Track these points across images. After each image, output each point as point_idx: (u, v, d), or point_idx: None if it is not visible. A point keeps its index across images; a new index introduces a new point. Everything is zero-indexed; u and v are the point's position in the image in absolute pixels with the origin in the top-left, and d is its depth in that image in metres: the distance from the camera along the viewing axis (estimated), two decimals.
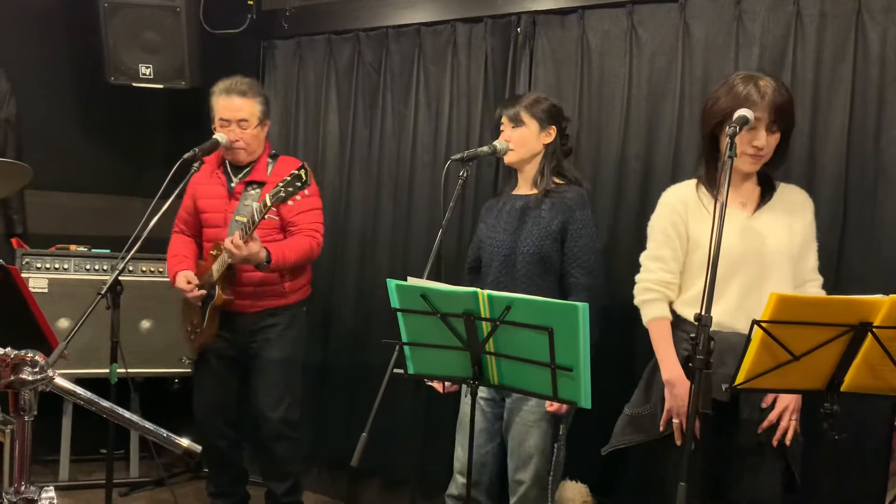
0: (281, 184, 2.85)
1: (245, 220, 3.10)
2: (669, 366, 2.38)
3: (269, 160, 3.32)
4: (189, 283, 3.22)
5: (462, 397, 2.87)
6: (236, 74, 3.34)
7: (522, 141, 2.78)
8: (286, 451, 3.34)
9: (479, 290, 2.08)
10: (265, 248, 3.04)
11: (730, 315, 2.27)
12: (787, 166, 2.80)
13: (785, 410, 2.24)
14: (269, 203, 2.87)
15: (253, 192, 3.22)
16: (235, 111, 3.20)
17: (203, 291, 3.20)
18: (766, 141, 2.29)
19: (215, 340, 3.27)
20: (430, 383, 2.80)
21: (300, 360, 3.40)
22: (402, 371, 2.30)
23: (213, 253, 3.21)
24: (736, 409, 2.27)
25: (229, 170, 3.30)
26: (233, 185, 3.27)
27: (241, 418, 3.46)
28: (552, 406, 2.63)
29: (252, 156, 3.28)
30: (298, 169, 2.86)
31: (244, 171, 3.29)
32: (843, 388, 1.96)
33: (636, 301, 2.52)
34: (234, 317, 3.25)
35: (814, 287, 2.40)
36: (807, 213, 2.41)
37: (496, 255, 2.77)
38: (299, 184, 2.84)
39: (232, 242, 2.95)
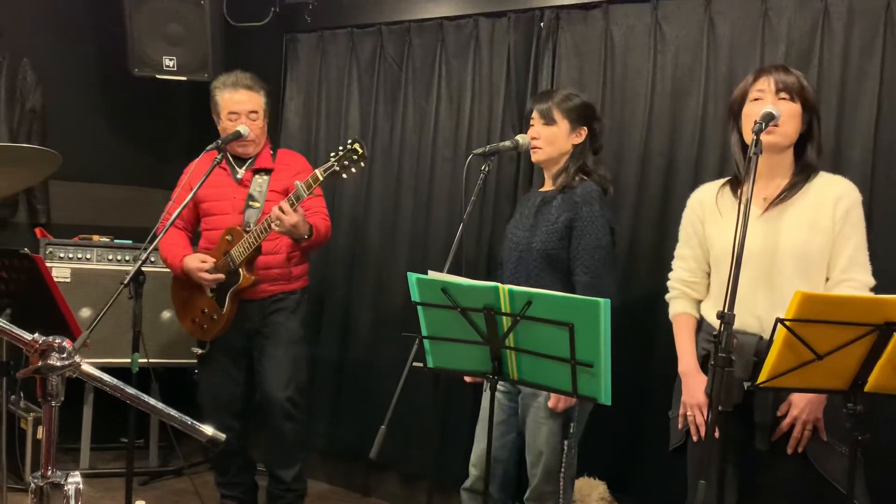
0: (333, 158, 2.86)
1: (259, 204, 3.18)
2: (682, 358, 2.39)
3: (272, 151, 3.39)
4: (204, 262, 3.20)
5: (483, 390, 2.86)
6: (255, 68, 3.38)
7: (552, 139, 2.71)
8: (293, 433, 3.34)
9: (499, 284, 2.07)
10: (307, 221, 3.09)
11: (737, 315, 2.19)
12: None
13: (797, 420, 2.18)
14: (320, 177, 2.90)
15: (261, 179, 3.28)
16: (244, 104, 3.26)
17: (220, 276, 3.19)
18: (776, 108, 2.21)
19: (224, 333, 3.28)
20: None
21: (304, 344, 3.44)
22: (421, 364, 2.30)
23: (228, 238, 3.21)
24: (750, 411, 2.23)
25: (232, 162, 3.33)
26: (239, 175, 3.30)
27: (249, 408, 3.46)
28: (552, 401, 2.56)
29: (258, 148, 3.34)
30: (352, 143, 2.85)
31: (248, 162, 3.33)
32: (866, 389, 1.93)
33: (666, 299, 2.53)
34: (243, 304, 3.26)
35: (847, 289, 2.20)
36: (839, 208, 2.22)
37: (513, 252, 2.75)
38: (356, 157, 2.84)
39: (281, 209, 2.96)
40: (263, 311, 3.28)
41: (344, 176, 2.94)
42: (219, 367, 3.36)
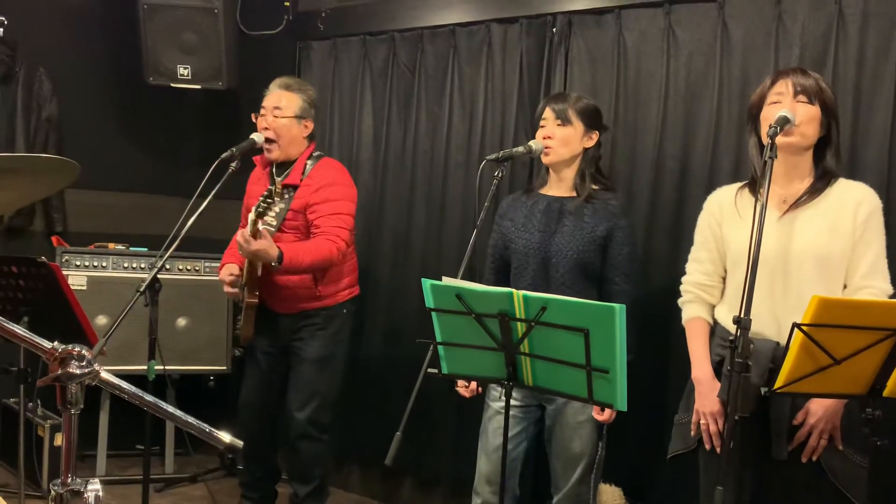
0: (261, 198, 2.89)
1: (276, 224, 3.13)
2: (697, 364, 2.37)
3: (309, 161, 3.28)
4: (231, 275, 3.21)
5: (485, 405, 2.84)
6: (268, 75, 3.39)
7: (566, 140, 2.71)
8: (311, 452, 3.33)
9: (514, 290, 2.06)
10: (278, 247, 2.99)
11: (754, 318, 2.08)
12: None
13: (813, 429, 2.16)
14: (253, 217, 2.90)
15: (287, 195, 3.20)
16: (273, 100, 3.24)
17: (235, 290, 3.22)
18: (794, 110, 2.20)
19: (260, 338, 3.31)
20: (457, 388, 2.79)
21: (337, 360, 3.38)
22: (435, 371, 2.30)
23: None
24: (766, 418, 2.20)
25: (274, 171, 3.33)
26: (272, 187, 3.28)
27: (277, 417, 3.48)
28: (602, 415, 2.61)
29: (283, 151, 3.26)
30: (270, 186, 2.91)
31: (284, 174, 3.28)
32: (885, 394, 1.92)
33: (679, 303, 2.51)
34: (274, 317, 3.28)
35: (868, 296, 2.18)
36: (860, 213, 2.21)
37: (531, 258, 2.72)
38: (270, 201, 2.89)
39: (241, 235, 2.95)
40: (293, 326, 3.28)
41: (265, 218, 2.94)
42: (257, 372, 3.39)
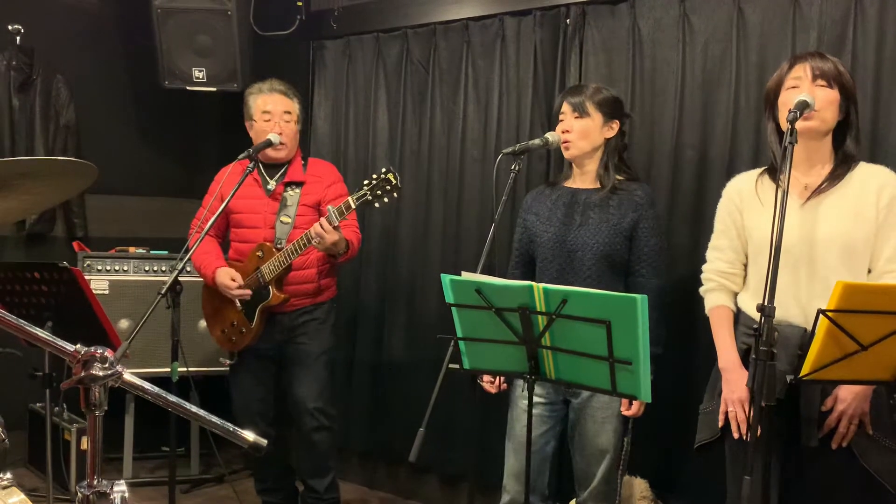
0: (366, 187, 2.88)
1: (290, 220, 3.18)
2: (723, 353, 2.35)
3: (303, 161, 3.39)
4: (234, 279, 3.23)
5: (511, 403, 2.82)
6: (283, 76, 3.41)
7: (585, 133, 2.68)
8: (325, 444, 3.37)
9: (534, 283, 2.05)
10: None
11: (779, 306, 2.02)
12: None
13: (843, 415, 2.13)
14: (352, 205, 2.91)
15: (292, 192, 3.27)
16: (278, 104, 3.28)
17: (248, 292, 3.22)
18: (813, 95, 2.17)
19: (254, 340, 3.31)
20: (481, 383, 2.78)
21: (334, 353, 3.47)
22: (457, 366, 2.29)
23: (259, 255, 3.22)
24: (795, 406, 2.18)
25: (263, 172, 3.33)
26: (270, 186, 3.30)
27: (283, 414, 3.48)
28: (630, 410, 2.60)
29: (290, 154, 3.33)
30: (385, 172, 2.87)
31: (280, 172, 3.32)
32: None
33: (700, 292, 2.48)
34: (273, 315, 3.28)
35: (891, 280, 2.15)
36: (883, 197, 2.18)
37: (557, 252, 2.69)
38: (389, 187, 2.87)
39: (322, 227, 2.96)
40: (294, 322, 3.29)
41: (376, 205, 2.92)
42: (250, 376, 3.38)
